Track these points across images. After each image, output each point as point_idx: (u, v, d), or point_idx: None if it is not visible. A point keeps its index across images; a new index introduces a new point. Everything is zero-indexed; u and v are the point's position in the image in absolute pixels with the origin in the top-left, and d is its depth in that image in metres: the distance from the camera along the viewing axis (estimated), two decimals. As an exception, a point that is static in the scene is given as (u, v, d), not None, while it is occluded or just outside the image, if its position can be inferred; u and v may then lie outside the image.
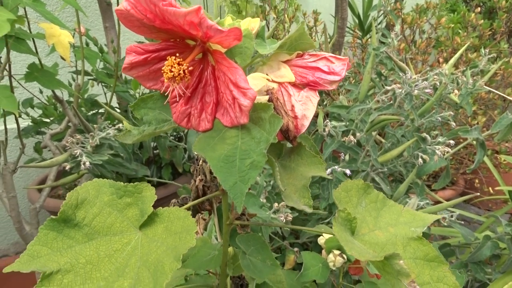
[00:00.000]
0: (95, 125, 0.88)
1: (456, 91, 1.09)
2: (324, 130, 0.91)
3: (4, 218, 1.61)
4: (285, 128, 0.31)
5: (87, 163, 0.82)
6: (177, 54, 0.29)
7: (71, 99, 1.42)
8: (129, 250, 0.29)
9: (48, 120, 1.40)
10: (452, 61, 1.08)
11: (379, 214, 0.39)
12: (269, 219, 0.56)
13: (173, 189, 1.43)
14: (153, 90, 0.35)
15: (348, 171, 0.86)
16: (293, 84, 0.33)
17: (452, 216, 0.88)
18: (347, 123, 1.00)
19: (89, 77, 1.37)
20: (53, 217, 0.29)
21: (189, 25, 0.26)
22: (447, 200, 1.61)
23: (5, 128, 0.97)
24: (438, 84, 0.85)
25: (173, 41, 0.30)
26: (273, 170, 0.31)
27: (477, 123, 1.33)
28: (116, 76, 1.19)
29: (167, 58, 0.30)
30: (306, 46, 0.35)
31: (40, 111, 1.41)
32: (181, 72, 0.28)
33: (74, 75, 1.42)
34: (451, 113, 0.93)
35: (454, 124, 0.94)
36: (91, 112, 1.44)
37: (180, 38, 0.30)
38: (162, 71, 0.29)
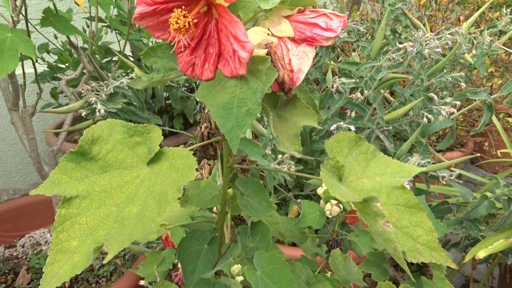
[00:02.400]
0: (109, 74, 0.91)
1: (474, 51, 1.08)
2: (332, 86, 0.93)
3: (23, 160, 1.70)
4: (281, 80, 0.34)
5: (102, 111, 0.86)
6: (183, 7, 0.31)
7: (85, 45, 1.44)
8: (138, 182, 0.33)
9: (63, 66, 1.44)
10: (471, 19, 1.06)
11: (368, 165, 0.42)
12: (271, 168, 0.60)
13: (184, 139, 1.49)
14: (162, 40, 0.38)
15: (353, 128, 0.89)
16: (292, 39, 0.36)
17: (451, 176, 0.91)
18: (357, 80, 1.01)
19: (102, 24, 1.38)
20: (72, 150, 0.34)
21: (193, -20, 0.28)
22: (455, 161, 1.63)
23: (23, 72, 1.01)
24: (451, 43, 0.85)
25: (180, -9, 0.32)
26: (268, 118, 0.34)
27: (491, 85, 1.32)
28: (129, 23, 1.20)
29: (174, 10, 0.32)
30: (307, 2, 0.37)
31: (56, 57, 1.45)
32: (186, 24, 0.31)
33: (88, 22, 1.44)
34: (462, 74, 0.94)
35: (464, 85, 0.95)
36: (105, 60, 1.47)
37: (186, -9, 0.32)
38: (169, 23, 0.32)
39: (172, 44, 0.34)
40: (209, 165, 0.56)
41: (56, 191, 0.33)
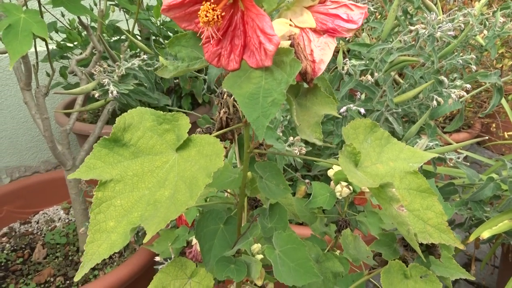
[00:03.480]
0: (121, 55, 0.92)
1: (485, 31, 1.08)
2: (343, 68, 0.94)
3: (34, 138, 1.73)
4: (304, 71, 0.35)
5: (115, 92, 0.88)
6: (212, 3, 0.33)
7: (93, 24, 1.44)
8: (167, 167, 0.36)
9: (71, 45, 1.45)
10: (482, 1, 1.05)
11: (382, 150, 0.44)
12: (284, 151, 0.62)
13: (192, 118, 1.51)
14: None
15: (362, 110, 0.90)
16: (314, 30, 0.37)
17: (459, 158, 0.93)
18: (367, 61, 1.02)
19: (110, 3, 1.38)
20: (106, 137, 0.36)
21: (224, -24, 0.30)
22: (461, 141, 1.65)
23: (36, 52, 1.02)
24: (463, 26, 0.85)
25: (207, -15, 0.34)
26: (291, 108, 0.36)
27: (502, 67, 1.32)
28: (138, 3, 1.20)
29: (201, 2, 0.34)
30: (328, -8, 0.38)
31: (64, 35, 1.45)
32: (215, 17, 0.32)
33: (96, 0, 1.44)
34: (473, 56, 0.94)
35: (475, 67, 0.95)
36: (113, 39, 1.48)
37: (214, -16, 0.33)
38: (198, 15, 0.33)
39: (198, 35, 0.35)
40: (226, 148, 0.58)
41: (92, 175, 0.35)
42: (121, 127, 0.36)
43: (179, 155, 0.36)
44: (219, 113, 0.51)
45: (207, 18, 0.32)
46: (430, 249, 0.49)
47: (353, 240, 0.62)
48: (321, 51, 0.36)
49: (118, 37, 1.44)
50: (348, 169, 0.38)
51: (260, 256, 0.47)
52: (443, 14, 1.50)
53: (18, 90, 1.64)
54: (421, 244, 0.49)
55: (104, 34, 1.42)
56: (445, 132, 1.48)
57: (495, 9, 1.23)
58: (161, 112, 0.37)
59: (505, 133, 1.43)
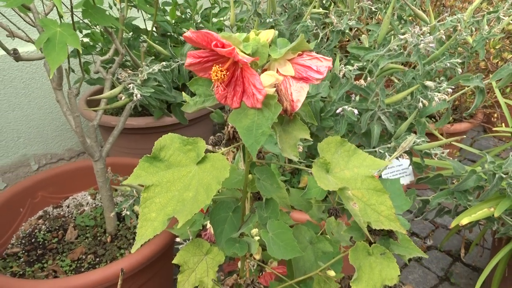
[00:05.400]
0: (142, 63, 1.10)
1: (474, 33, 1.22)
2: (339, 72, 1.10)
3: (58, 128, 1.94)
4: (285, 108, 0.52)
5: (138, 95, 1.06)
6: (220, 64, 0.50)
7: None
8: (190, 176, 0.53)
9: (92, 44, 1.63)
10: (473, 6, 1.18)
11: (349, 159, 0.61)
12: (280, 155, 0.80)
13: (204, 111, 1.69)
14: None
15: (356, 111, 1.06)
16: (293, 77, 0.54)
17: (443, 153, 1.09)
18: (365, 63, 1.17)
19: (129, 4, 1.55)
20: (148, 155, 0.54)
21: (228, 54, 0.46)
22: (463, 131, 1.79)
23: (68, 58, 1.20)
24: (444, 38, 0.99)
25: (216, 52, 0.51)
26: (276, 133, 0.53)
27: (498, 62, 1.45)
28: (156, 5, 1.36)
29: (212, 63, 0.51)
30: (305, 48, 0.55)
31: (86, 31, 1.63)
32: (222, 76, 0.49)
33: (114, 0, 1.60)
34: (459, 60, 1.08)
35: (460, 71, 1.10)
36: (131, 35, 1.65)
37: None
38: (210, 74, 0.50)
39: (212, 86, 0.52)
40: (233, 152, 0.76)
41: (139, 181, 0.53)
42: (158, 147, 0.54)
43: (198, 167, 0.54)
44: (227, 127, 0.69)
45: (217, 77, 0.50)
46: (389, 234, 0.66)
47: (336, 226, 0.80)
48: (298, 93, 0.53)
49: (136, 35, 1.61)
50: (319, 176, 0.55)
51: (257, 238, 0.65)
52: (444, 8, 1.62)
53: (44, 83, 1.85)
54: (382, 230, 0.67)
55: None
56: (447, 122, 1.62)
57: (495, 6, 1.35)
58: (186, 137, 0.55)
59: (502, 124, 1.57)
